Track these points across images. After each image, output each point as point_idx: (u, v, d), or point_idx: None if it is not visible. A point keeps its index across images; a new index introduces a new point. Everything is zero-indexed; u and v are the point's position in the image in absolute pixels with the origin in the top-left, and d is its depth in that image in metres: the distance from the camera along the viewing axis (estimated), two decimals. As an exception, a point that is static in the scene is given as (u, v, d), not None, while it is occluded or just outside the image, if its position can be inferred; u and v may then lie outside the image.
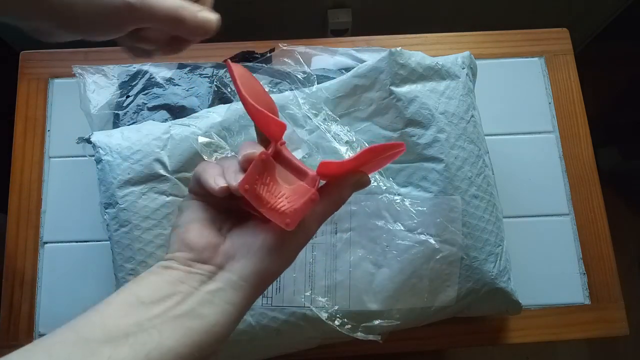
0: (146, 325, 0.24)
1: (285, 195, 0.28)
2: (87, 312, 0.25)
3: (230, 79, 0.58)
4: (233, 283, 0.26)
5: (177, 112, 0.57)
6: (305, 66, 0.56)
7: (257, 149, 0.28)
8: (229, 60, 0.31)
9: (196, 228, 0.28)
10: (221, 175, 0.28)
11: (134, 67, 0.60)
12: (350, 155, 0.30)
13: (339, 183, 0.30)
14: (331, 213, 0.30)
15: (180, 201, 0.32)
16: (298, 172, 0.31)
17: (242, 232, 0.28)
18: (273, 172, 0.29)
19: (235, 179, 0.27)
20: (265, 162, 0.28)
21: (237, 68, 0.32)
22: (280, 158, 0.31)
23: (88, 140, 0.53)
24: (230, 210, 0.31)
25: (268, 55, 0.61)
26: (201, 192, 0.30)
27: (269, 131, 0.30)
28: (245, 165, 0.28)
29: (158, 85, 0.58)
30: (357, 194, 0.49)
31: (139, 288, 0.26)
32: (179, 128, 0.51)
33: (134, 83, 0.59)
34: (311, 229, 0.29)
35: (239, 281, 0.26)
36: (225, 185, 0.28)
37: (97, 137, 0.52)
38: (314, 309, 0.46)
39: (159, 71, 0.60)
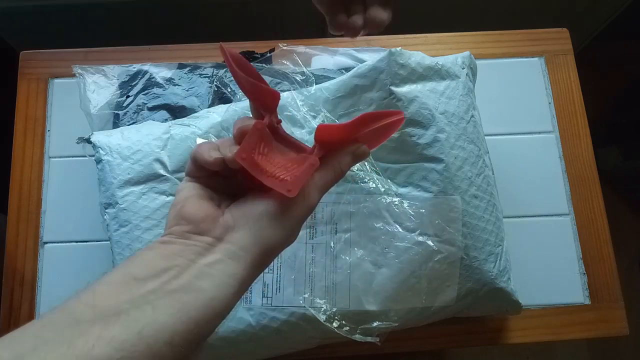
0: (139, 302, 0.22)
1: (284, 165, 0.28)
2: (79, 292, 0.24)
3: (230, 79, 0.58)
4: (232, 254, 0.25)
5: (177, 112, 0.57)
6: (304, 67, 0.56)
7: (252, 122, 0.28)
8: (222, 44, 0.31)
9: (194, 202, 0.27)
10: (216, 149, 0.28)
11: (134, 67, 0.60)
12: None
13: (338, 152, 0.30)
14: (332, 183, 0.30)
15: (178, 185, 0.31)
16: (295, 147, 0.30)
17: (241, 204, 0.27)
18: (270, 142, 0.29)
19: (230, 150, 0.27)
20: (262, 131, 0.28)
21: (232, 51, 0.31)
22: (276, 134, 0.30)
23: (88, 140, 0.53)
24: (228, 191, 0.30)
25: (268, 55, 0.61)
26: (197, 174, 0.29)
27: (263, 102, 0.30)
28: (240, 137, 0.27)
29: (158, 85, 0.58)
30: (357, 195, 0.49)
31: (133, 265, 0.24)
32: (179, 128, 0.51)
33: (134, 83, 0.59)
34: (312, 198, 0.28)
35: (238, 252, 0.25)
36: (220, 156, 0.27)
37: (97, 137, 0.52)
38: (312, 310, 0.46)
39: (159, 71, 0.60)
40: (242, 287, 0.26)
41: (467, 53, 0.53)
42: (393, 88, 0.49)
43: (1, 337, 0.21)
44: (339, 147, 0.30)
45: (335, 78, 0.53)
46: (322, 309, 0.47)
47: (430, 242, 0.47)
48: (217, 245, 0.25)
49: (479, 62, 0.55)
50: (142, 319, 0.22)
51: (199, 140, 0.49)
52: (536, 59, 0.65)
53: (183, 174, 0.49)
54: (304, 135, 0.50)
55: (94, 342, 0.21)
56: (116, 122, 0.57)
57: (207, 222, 0.26)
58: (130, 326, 0.21)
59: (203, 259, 0.24)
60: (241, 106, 0.52)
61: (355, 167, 0.49)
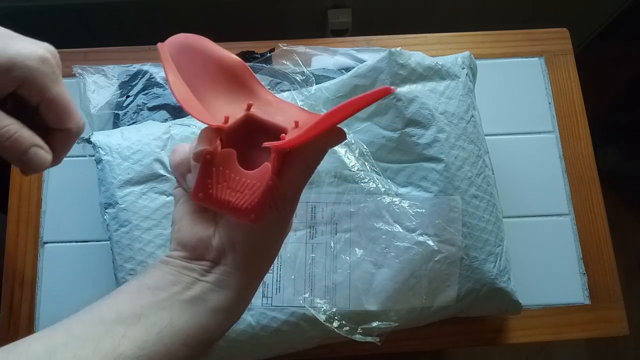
0: (156, 308, 0.25)
1: (248, 185, 0.26)
2: (101, 299, 0.26)
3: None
4: (229, 274, 0.27)
5: (177, 112, 0.57)
6: (304, 67, 0.56)
7: (204, 144, 0.26)
8: (159, 45, 0.28)
9: (186, 225, 0.28)
10: (186, 172, 0.29)
11: (134, 67, 0.60)
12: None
13: (305, 151, 0.27)
14: (304, 182, 0.28)
15: (173, 189, 0.31)
16: (275, 130, 0.28)
17: (227, 225, 0.27)
18: (230, 161, 0.26)
19: (192, 180, 0.27)
20: (213, 158, 0.26)
21: (175, 44, 0.28)
22: (251, 125, 0.28)
23: (88, 140, 0.53)
24: None
25: (268, 55, 0.61)
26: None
27: (207, 122, 0.26)
28: (199, 161, 0.27)
29: (158, 85, 0.58)
30: (357, 195, 0.49)
31: (145, 278, 0.27)
32: (179, 128, 0.51)
33: (134, 83, 0.59)
34: (289, 205, 0.28)
35: (234, 272, 0.27)
36: (186, 187, 0.28)
37: (97, 137, 0.52)
38: (312, 310, 0.46)
39: (159, 71, 0.60)
40: (246, 297, 0.28)
41: (467, 53, 0.53)
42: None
43: (35, 334, 0.24)
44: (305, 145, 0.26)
45: (335, 78, 0.53)
46: (322, 309, 0.47)
47: (430, 242, 0.47)
48: (214, 267, 0.27)
49: (479, 62, 0.56)
50: (160, 323, 0.25)
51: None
52: (536, 59, 0.65)
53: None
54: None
55: (119, 341, 0.23)
56: (116, 122, 0.57)
57: (200, 247, 0.27)
58: (150, 328, 0.24)
59: (205, 277, 0.27)
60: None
61: (355, 167, 0.49)
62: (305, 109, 0.31)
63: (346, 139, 0.28)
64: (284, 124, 0.28)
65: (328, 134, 0.26)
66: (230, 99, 0.29)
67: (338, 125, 0.26)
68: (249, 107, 0.29)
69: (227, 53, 0.30)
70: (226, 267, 0.27)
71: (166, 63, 0.27)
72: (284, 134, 0.27)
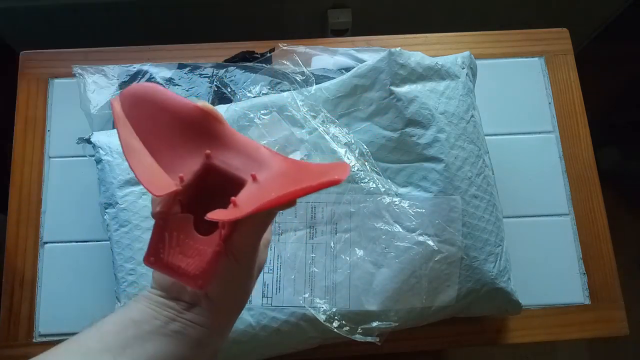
0: (141, 340, 0.26)
1: (199, 251, 0.26)
2: (86, 329, 0.27)
3: (231, 78, 0.58)
4: (205, 314, 0.28)
5: (177, 112, 0.57)
6: (304, 67, 0.56)
7: (159, 206, 0.27)
8: (111, 100, 0.28)
9: None
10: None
11: (134, 67, 0.60)
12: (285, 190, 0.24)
13: (253, 218, 0.27)
14: (259, 236, 0.28)
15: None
16: (233, 180, 0.28)
17: None
18: (185, 226, 0.26)
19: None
20: (166, 222, 0.26)
21: (128, 98, 0.28)
22: (211, 173, 0.28)
23: (88, 141, 0.53)
24: None
25: (268, 55, 0.61)
26: None
27: (156, 193, 0.25)
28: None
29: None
30: (357, 195, 0.49)
31: (129, 310, 0.28)
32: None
33: (134, 83, 0.59)
34: (248, 256, 0.28)
35: (208, 314, 0.28)
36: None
37: (97, 137, 0.52)
38: (312, 310, 0.46)
39: (159, 71, 0.60)
40: (223, 331, 0.30)
41: (467, 53, 0.53)
42: (393, 88, 0.49)
43: None
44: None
45: (335, 78, 0.53)
46: (322, 309, 0.47)
47: (430, 242, 0.47)
48: (191, 308, 0.28)
49: (479, 62, 0.56)
50: (144, 353, 0.26)
51: None
52: (536, 59, 0.65)
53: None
54: (304, 136, 0.50)
55: None
56: (116, 122, 0.57)
57: (175, 290, 0.29)
58: (135, 358, 0.26)
59: (183, 315, 0.28)
60: (241, 106, 0.52)
61: (355, 167, 0.49)
62: (269, 148, 0.29)
63: (295, 205, 0.29)
64: (242, 175, 0.28)
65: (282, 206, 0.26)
66: (189, 149, 0.28)
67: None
68: (208, 156, 0.28)
69: (182, 101, 0.29)
70: (202, 309, 0.28)
71: (118, 121, 0.27)
72: (234, 198, 0.26)
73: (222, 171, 0.28)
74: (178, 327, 0.27)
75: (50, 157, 0.59)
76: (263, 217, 0.28)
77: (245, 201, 0.25)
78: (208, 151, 0.28)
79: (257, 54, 0.62)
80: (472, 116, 0.51)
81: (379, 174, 0.50)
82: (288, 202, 0.25)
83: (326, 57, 0.60)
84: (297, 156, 0.50)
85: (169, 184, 0.26)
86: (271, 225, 0.33)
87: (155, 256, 0.26)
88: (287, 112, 0.51)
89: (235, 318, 0.31)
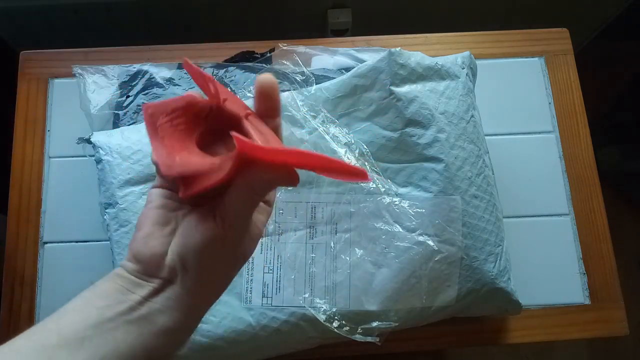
0: (100, 330, 0.24)
1: (215, 168, 0.25)
2: (43, 321, 0.25)
3: (231, 78, 0.58)
4: (179, 295, 0.26)
5: (177, 112, 0.57)
6: (304, 67, 0.56)
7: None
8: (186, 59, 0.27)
9: (143, 236, 0.27)
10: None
11: (134, 67, 0.60)
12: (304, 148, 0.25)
13: (252, 179, 0.25)
14: (247, 209, 0.26)
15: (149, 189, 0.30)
16: (234, 119, 0.27)
17: (179, 244, 0.27)
18: (195, 125, 0.27)
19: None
20: (189, 107, 0.26)
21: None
22: (238, 129, 0.27)
23: (88, 141, 0.53)
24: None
25: (268, 55, 0.61)
26: (159, 182, 0.29)
27: (207, 89, 0.27)
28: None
29: (158, 85, 0.58)
30: (357, 195, 0.49)
31: (93, 294, 0.26)
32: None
33: (134, 83, 0.59)
34: (231, 226, 0.26)
35: (183, 294, 0.26)
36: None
37: (97, 137, 0.52)
38: (312, 310, 0.46)
39: (159, 71, 0.60)
40: (195, 317, 0.28)
41: (467, 53, 0.53)
42: (393, 88, 0.49)
43: None
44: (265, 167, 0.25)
45: (335, 78, 0.53)
46: (322, 309, 0.47)
47: (430, 242, 0.47)
48: (164, 287, 0.26)
49: (479, 62, 0.56)
50: (105, 346, 0.24)
51: None
52: (536, 59, 0.65)
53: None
54: (304, 136, 0.50)
55: None
56: (116, 122, 0.57)
57: (153, 263, 0.26)
58: (94, 352, 0.24)
59: (154, 297, 0.26)
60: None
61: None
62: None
63: (296, 186, 0.27)
64: (239, 112, 0.27)
65: (285, 172, 0.25)
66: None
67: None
68: (247, 115, 0.28)
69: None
70: (176, 288, 0.26)
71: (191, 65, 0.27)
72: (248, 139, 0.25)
73: (228, 112, 0.27)
74: (145, 312, 0.25)
75: (50, 157, 0.59)
76: (258, 186, 0.25)
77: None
78: (250, 112, 0.27)
79: (257, 54, 0.62)
80: (472, 116, 0.51)
81: (379, 174, 0.50)
82: (311, 166, 0.24)
83: (326, 57, 0.60)
84: None
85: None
86: (272, 208, 0.31)
87: (153, 109, 0.25)
88: (287, 112, 0.51)
89: (211, 302, 0.28)
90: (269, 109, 0.28)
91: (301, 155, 0.23)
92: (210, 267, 0.27)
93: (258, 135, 0.26)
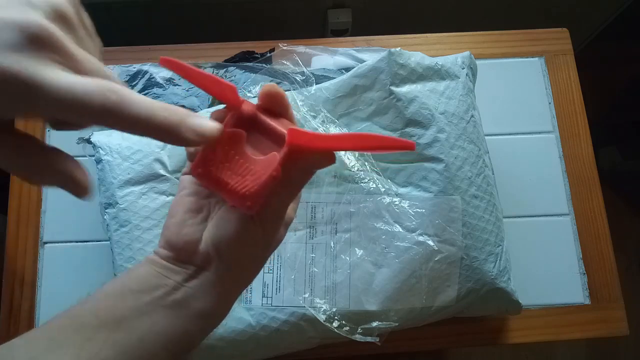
0: (137, 313, 0.25)
1: (251, 171, 0.24)
2: (81, 301, 0.26)
3: (231, 79, 0.58)
4: (212, 282, 0.27)
5: (177, 112, 0.57)
6: (304, 67, 0.56)
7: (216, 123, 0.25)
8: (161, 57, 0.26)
9: (177, 224, 0.27)
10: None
11: (134, 67, 0.60)
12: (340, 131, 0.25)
13: (305, 164, 0.26)
14: (287, 200, 0.27)
15: (182, 174, 0.30)
16: (275, 136, 0.26)
17: (214, 232, 0.27)
18: (237, 143, 0.25)
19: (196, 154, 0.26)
20: (222, 136, 0.24)
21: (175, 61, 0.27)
22: (255, 123, 0.26)
23: (88, 141, 0.53)
24: None
25: (268, 55, 0.61)
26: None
27: (225, 98, 0.26)
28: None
29: (158, 85, 0.58)
30: (357, 195, 0.49)
31: (129, 279, 0.27)
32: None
33: (134, 83, 0.59)
34: (271, 220, 0.27)
35: (217, 280, 0.27)
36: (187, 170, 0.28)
37: (97, 137, 0.52)
38: (312, 310, 0.46)
39: (159, 71, 0.60)
40: (228, 301, 0.28)
41: (467, 53, 0.53)
42: (393, 88, 0.49)
43: (15, 339, 0.24)
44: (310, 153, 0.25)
45: (335, 78, 0.53)
46: (322, 309, 0.47)
47: (430, 242, 0.47)
48: (198, 273, 0.27)
49: (479, 62, 0.56)
50: (141, 327, 0.25)
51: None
52: (536, 59, 0.65)
53: (183, 174, 0.49)
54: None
55: (101, 346, 0.24)
56: (116, 122, 0.57)
57: (187, 250, 0.27)
58: (132, 333, 0.24)
59: (188, 283, 0.26)
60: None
61: (355, 167, 0.49)
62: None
63: (334, 162, 0.27)
64: (282, 131, 0.27)
65: (325, 154, 0.26)
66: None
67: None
68: (259, 107, 0.27)
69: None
70: (210, 275, 0.27)
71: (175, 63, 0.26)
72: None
73: (266, 124, 0.26)
74: (180, 297, 0.26)
75: (50, 157, 0.59)
76: (301, 174, 0.26)
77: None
78: (259, 104, 0.27)
79: (257, 54, 0.62)
80: (472, 116, 0.51)
81: (379, 174, 0.50)
82: (366, 148, 0.24)
83: (326, 57, 0.60)
84: None
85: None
86: (299, 197, 0.31)
87: (203, 168, 0.24)
88: (287, 112, 0.51)
89: (243, 288, 0.29)
90: (277, 108, 0.28)
91: (356, 138, 0.23)
92: (244, 256, 0.27)
93: (278, 125, 0.26)
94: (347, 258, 0.48)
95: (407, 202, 0.48)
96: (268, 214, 0.26)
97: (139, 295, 0.25)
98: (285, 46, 0.59)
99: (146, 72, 0.59)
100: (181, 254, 0.27)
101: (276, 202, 0.26)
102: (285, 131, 0.25)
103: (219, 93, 0.26)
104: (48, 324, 0.24)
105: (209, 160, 0.25)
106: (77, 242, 0.57)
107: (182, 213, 0.28)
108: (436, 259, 0.47)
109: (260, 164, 0.25)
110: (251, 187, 0.24)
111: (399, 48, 0.50)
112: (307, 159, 0.26)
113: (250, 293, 0.48)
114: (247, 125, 0.26)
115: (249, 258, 0.27)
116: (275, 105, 0.27)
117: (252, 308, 0.47)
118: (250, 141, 0.26)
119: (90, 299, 0.26)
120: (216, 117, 0.26)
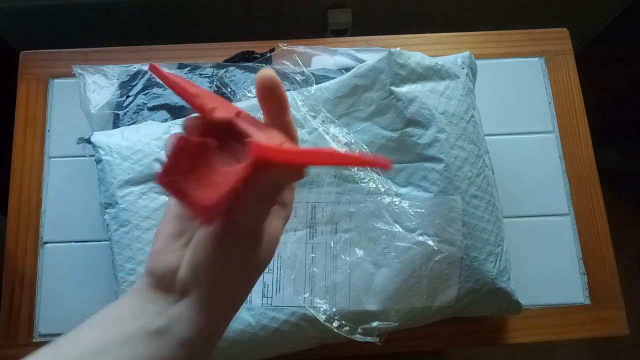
0: (119, 341, 0.25)
1: (215, 182, 0.24)
2: (62, 336, 0.26)
3: (231, 78, 0.58)
4: (195, 308, 0.26)
5: (177, 112, 0.57)
6: (304, 67, 0.56)
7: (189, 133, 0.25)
8: (151, 64, 0.27)
9: (158, 251, 0.27)
10: None
11: (134, 67, 0.60)
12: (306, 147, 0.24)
13: (273, 178, 0.25)
14: (259, 215, 0.26)
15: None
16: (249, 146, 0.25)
17: (192, 258, 0.26)
18: (205, 152, 0.24)
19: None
20: (189, 146, 0.24)
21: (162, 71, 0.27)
22: (234, 131, 0.25)
23: (88, 141, 0.53)
24: None
25: (268, 55, 0.61)
26: None
27: (195, 105, 0.25)
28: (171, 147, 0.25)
29: (158, 85, 0.58)
30: (357, 195, 0.49)
31: (114, 309, 0.27)
32: (179, 128, 0.51)
33: (134, 83, 0.59)
34: (243, 237, 0.26)
35: (198, 305, 0.26)
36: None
37: (97, 137, 0.52)
38: (312, 310, 0.46)
39: (159, 71, 0.60)
40: (214, 328, 0.27)
41: (467, 53, 0.53)
42: (393, 88, 0.49)
43: None
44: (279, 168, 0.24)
45: (335, 78, 0.53)
46: (322, 309, 0.47)
47: (430, 242, 0.47)
48: (180, 300, 0.26)
49: (479, 62, 0.56)
50: (122, 356, 0.24)
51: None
52: (536, 59, 0.65)
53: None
54: (304, 136, 0.50)
55: None
56: (116, 122, 0.57)
57: (168, 277, 0.26)
58: None
59: (170, 310, 0.26)
60: (241, 106, 0.52)
61: (355, 167, 0.49)
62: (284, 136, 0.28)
63: (303, 177, 0.26)
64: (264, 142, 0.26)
65: (293, 169, 0.24)
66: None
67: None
68: (238, 114, 0.27)
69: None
70: (191, 300, 0.26)
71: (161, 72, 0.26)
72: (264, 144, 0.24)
73: (244, 132, 0.26)
74: (162, 324, 0.25)
75: (50, 157, 0.59)
76: (264, 189, 0.25)
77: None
78: (239, 110, 0.26)
79: (257, 54, 0.62)
80: (472, 116, 0.51)
81: (379, 174, 0.50)
82: (329, 162, 0.23)
83: (326, 57, 0.60)
84: None
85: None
86: (290, 208, 0.30)
87: (167, 177, 0.23)
88: (287, 112, 0.51)
89: (231, 315, 0.28)
90: (274, 105, 0.27)
91: (324, 154, 0.22)
92: (223, 276, 0.26)
93: (257, 133, 0.25)
94: (347, 258, 0.48)
95: (407, 202, 0.48)
96: (239, 230, 0.25)
97: (121, 324, 0.25)
98: (285, 46, 0.59)
99: (146, 72, 0.59)
100: (162, 281, 0.26)
101: (246, 218, 0.25)
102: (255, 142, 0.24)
103: (189, 101, 0.25)
104: (33, 355, 0.25)
105: (174, 170, 0.24)
106: (77, 242, 0.57)
107: (163, 238, 0.27)
108: (436, 259, 0.47)
109: (225, 175, 0.24)
110: (211, 200, 0.23)
111: (399, 48, 0.50)
112: (274, 173, 0.24)
113: (250, 293, 0.48)
114: (223, 134, 0.25)
115: (229, 277, 0.26)
116: (270, 100, 0.26)
117: (252, 308, 0.47)
118: (230, 151, 0.26)
119: (75, 330, 0.26)
120: (189, 125, 0.25)
